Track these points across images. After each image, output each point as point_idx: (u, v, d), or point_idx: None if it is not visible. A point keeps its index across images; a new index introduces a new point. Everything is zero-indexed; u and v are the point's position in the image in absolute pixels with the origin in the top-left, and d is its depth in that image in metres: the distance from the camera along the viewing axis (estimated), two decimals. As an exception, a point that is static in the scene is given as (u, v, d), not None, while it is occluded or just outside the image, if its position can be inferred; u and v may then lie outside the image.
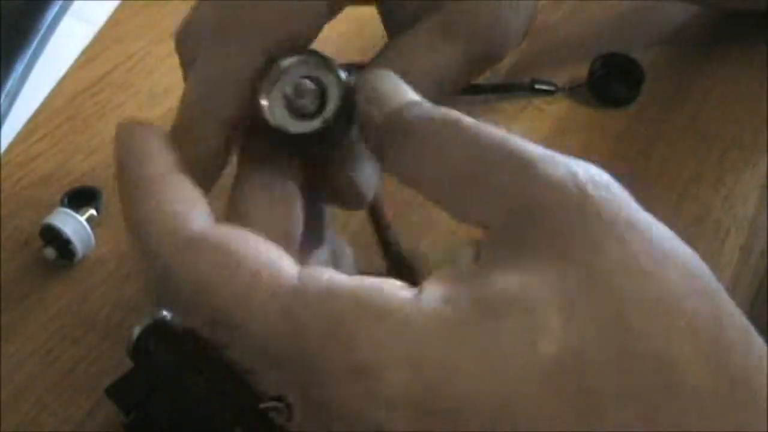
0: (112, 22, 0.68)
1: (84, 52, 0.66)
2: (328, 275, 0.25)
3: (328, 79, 0.31)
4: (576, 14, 0.71)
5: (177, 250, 0.26)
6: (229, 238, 0.26)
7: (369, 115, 0.29)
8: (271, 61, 0.32)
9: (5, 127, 0.61)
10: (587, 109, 0.64)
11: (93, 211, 0.55)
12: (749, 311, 0.55)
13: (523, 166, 0.25)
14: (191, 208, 0.27)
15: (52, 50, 0.66)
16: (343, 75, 0.32)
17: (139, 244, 0.28)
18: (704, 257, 0.57)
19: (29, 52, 0.64)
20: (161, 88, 0.64)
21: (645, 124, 0.64)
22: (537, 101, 0.65)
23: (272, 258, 0.25)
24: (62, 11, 0.68)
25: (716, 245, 0.57)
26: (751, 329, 0.23)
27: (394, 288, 0.24)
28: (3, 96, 0.61)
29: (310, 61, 0.32)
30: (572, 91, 0.65)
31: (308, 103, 0.31)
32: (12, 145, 0.60)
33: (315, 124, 0.31)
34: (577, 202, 0.24)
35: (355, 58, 0.69)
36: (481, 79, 0.66)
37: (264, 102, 0.31)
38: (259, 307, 0.24)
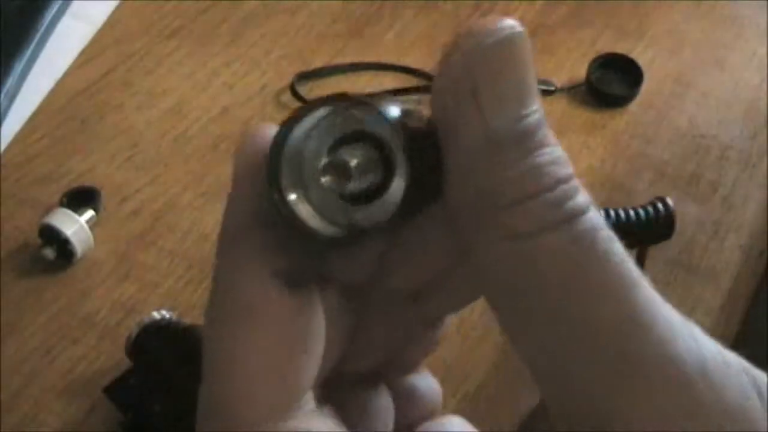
0: (112, 22, 0.68)
1: (83, 52, 0.66)
2: None
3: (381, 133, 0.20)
4: (576, 14, 0.71)
5: None
6: None
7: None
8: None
9: (4, 127, 0.61)
10: (587, 109, 0.64)
11: (92, 212, 0.55)
12: (749, 311, 0.55)
13: (687, 383, 0.19)
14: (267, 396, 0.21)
15: (52, 50, 0.66)
16: (396, 112, 0.20)
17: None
18: (704, 257, 0.58)
19: (28, 51, 0.64)
20: (161, 88, 0.64)
21: (645, 124, 0.64)
22: (537, 101, 0.65)
23: None
24: (62, 11, 0.68)
25: (716, 245, 0.57)
26: None
27: None
28: (2, 96, 0.61)
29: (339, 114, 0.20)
30: (572, 91, 0.65)
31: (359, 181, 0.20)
32: (11, 145, 0.60)
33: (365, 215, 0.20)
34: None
35: (355, 58, 0.70)
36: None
37: (291, 196, 0.20)
38: None
